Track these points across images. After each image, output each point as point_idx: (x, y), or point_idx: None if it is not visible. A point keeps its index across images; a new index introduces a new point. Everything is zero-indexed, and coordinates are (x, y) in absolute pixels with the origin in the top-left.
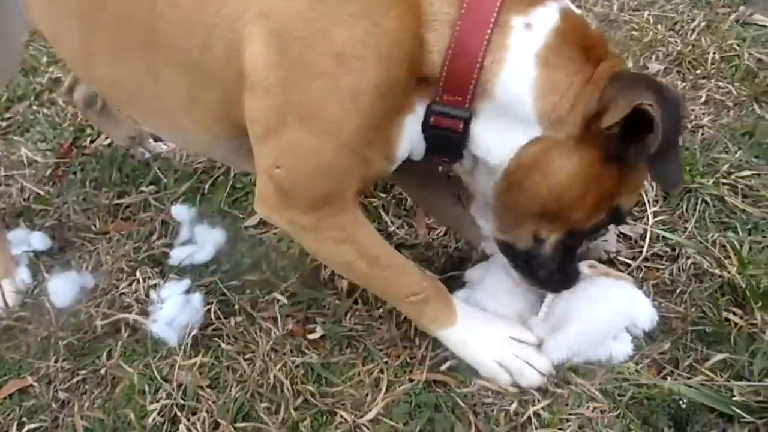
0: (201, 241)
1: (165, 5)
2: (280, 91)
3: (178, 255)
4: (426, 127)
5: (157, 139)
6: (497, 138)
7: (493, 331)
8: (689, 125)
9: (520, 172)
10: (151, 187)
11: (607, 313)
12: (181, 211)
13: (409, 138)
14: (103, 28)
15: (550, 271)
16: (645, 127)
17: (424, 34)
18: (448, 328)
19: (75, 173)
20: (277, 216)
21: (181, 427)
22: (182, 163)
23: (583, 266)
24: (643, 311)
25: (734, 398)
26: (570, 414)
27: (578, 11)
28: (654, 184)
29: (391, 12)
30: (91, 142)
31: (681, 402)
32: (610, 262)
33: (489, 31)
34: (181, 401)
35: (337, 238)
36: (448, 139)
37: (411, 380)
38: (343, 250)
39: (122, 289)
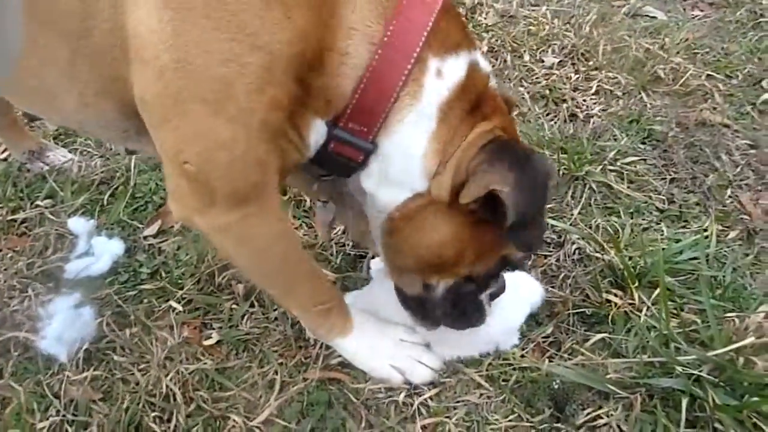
0: (98, 253)
1: None
2: (177, 75)
3: (73, 268)
4: (323, 151)
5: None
6: (387, 182)
7: (384, 335)
8: (581, 115)
9: (401, 221)
10: (48, 201)
11: (504, 313)
12: (78, 224)
13: (316, 134)
14: None
15: (445, 312)
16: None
17: (338, 41)
18: (344, 336)
19: None
20: (197, 217)
21: None
22: (80, 175)
23: None
24: (535, 297)
25: (609, 376)
26: (457, 402)
27: (486, 66)
28: None
29: (304, 6)
30: None
31: (554, 383)
32: None
33: (410, 66)
34: (72, 417)
35: (260, 243)
36: (344, 166)
37: (305, 379)
38: (265, 257)
39: (14, 306)
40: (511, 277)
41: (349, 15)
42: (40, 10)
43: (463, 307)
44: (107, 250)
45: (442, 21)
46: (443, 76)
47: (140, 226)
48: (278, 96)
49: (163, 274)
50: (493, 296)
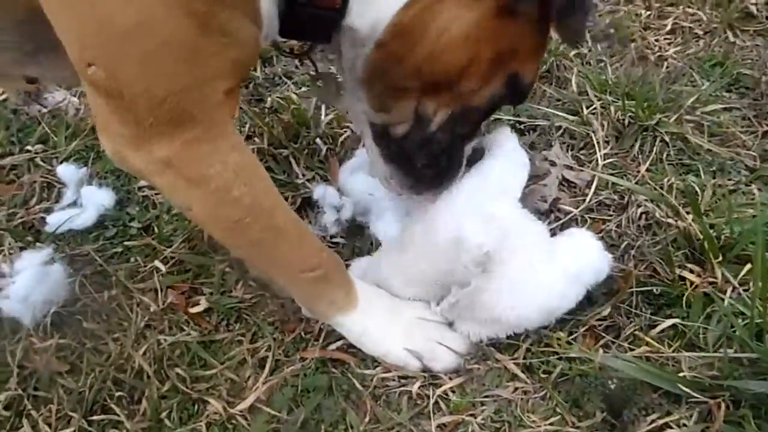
0: (85, 204)
1: None
2: None
3: (55, 220)
4: (291, 14)
5: None
6: (371, 3)
7: (397, 311)
8: (652, 58)
9: (396, 39)
10: (39, 146)
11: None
12: (67, 171)
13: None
14: None
15: (429, 162)
16: None
17: None
18: (347, 313)
19: None
20: (129, 153)
21: (25, 422)
22: (77, 118)
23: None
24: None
25: (682, 374)
26: (485, 396)
27: None
28: (605, 123)
29: None
30: None
31: (609, 380)
32: (549, 211)
33: None
34: (32, 392)
35: (218, 181)
36: (321, 19)
37: (302, 359)
38: (228, 200)
39: None
40: (568, 240)
41: None
42: None
43: (447, 157)
44: (95, 201)
45: None
46: None
47: (134, 176)
48: None
49: (155, 231)
50: (471, 159)
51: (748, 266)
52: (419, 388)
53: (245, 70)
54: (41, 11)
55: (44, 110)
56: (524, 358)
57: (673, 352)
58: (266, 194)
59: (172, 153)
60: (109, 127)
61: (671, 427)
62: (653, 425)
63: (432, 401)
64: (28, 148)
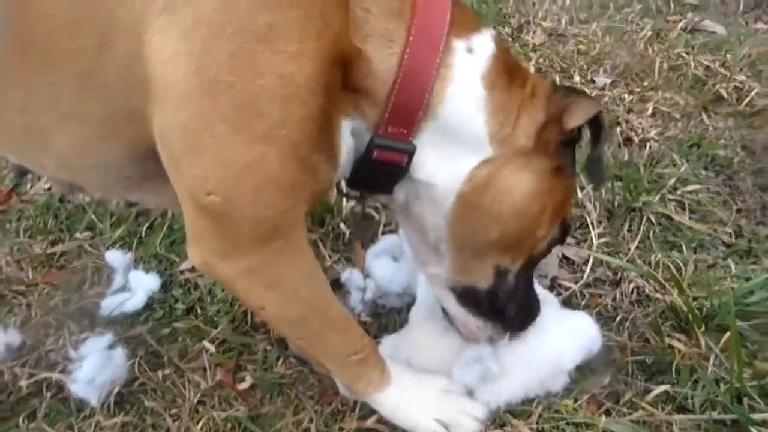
0: (134, 288)
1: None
2: (206, 96)
3: (108, 305)
4: (363, 164)
5: None
6: (445, 162)
7: (425, 386)
8: (636, 140)
9: (476, 193)
10: (87, 233)
11: (555, 355)
12: (115, 257)
13: (346, 145)
14: None
15: (516, 308)
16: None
17: (365, 48)
18: (382, 391)
19: (11, 222)
20: (217, 263)
21: None
22: (119, 207)
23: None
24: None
25: None
26: None
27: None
28: (597, 205)
29: (335, 15)
30: (31, 187)
31: None
32: (550, 287)
33: (439, 57)
34: None
35: (290, 285)
36: (387, 174)
37: (341, 429)
38: (296, 301)
39: (49, 345)
40: (566, 317)
41: (368, 24)
42: (38, 47)
43: (528, 297)
44: (143, 284)
45: (455, 10)
46: (474, 52)
47: (177, 259)
48: (316, 105)
49: (198, 311)
50: None
51: (728, 334)
52: None
53: (318, 200)
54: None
55: (88, 199)
56: (537, 423)
57: (666, 415)
58: (324, 293)
59: (255, 262)
60: (204, 242)
61: None
62: None
63: None
64: (77, 235)
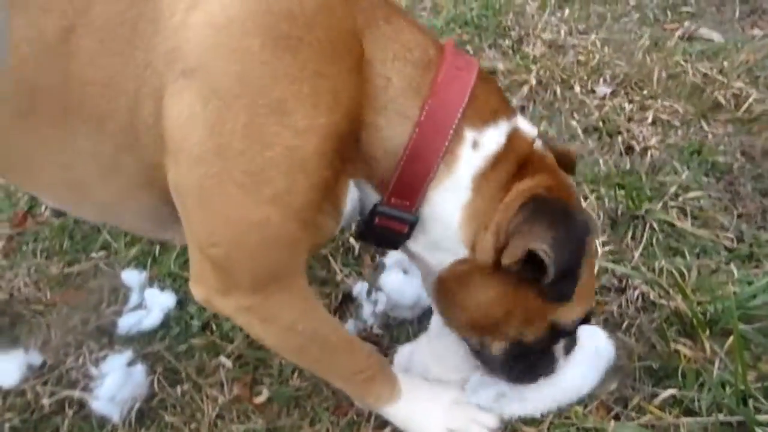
0: (150, 306)
1: (85, 66)
2: (218, 159)
3: (126, 323)
4: (368, 226)
5: None
6: (432, 247)
7: (436, 399)
8: (637, 148)
9: (450, 282)
10: (102, 253)
11: (578, 381)
12: (131, 276)
13: (352, 200)
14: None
15: (508, 369)
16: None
17: (377, 121)
18: (393, 404)
19: (27, 243)
20: (217, 300)
21: None
22: None
23: None
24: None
25: None
26: None
27: (530, 128)
28: (601, 214)
29: (347, 89)
30: (45, 209)
31: None
32: None
33: (447, 143)
34: None
35: (286, 320)
36: (389, 239)
37: None
38: (293, 333)
39: (69, 364)
40: (585, 339)
41: (386, 95)
42: (78, 111)
43: (530, 363)
44: (159, 302)
45: (479, 92)
46: (479, 147)
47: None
48: (322, 176)
49: (214, 327)
50: (567, 349)
51: (732, 338)
52: None
53: (320, 249)
54: None
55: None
56: (548, 430)
57: (674, 418)
58: (322, 324)
59: (253, 302)
60: (204, 281)
61: None
62: None
63: None
64: (93, 255)
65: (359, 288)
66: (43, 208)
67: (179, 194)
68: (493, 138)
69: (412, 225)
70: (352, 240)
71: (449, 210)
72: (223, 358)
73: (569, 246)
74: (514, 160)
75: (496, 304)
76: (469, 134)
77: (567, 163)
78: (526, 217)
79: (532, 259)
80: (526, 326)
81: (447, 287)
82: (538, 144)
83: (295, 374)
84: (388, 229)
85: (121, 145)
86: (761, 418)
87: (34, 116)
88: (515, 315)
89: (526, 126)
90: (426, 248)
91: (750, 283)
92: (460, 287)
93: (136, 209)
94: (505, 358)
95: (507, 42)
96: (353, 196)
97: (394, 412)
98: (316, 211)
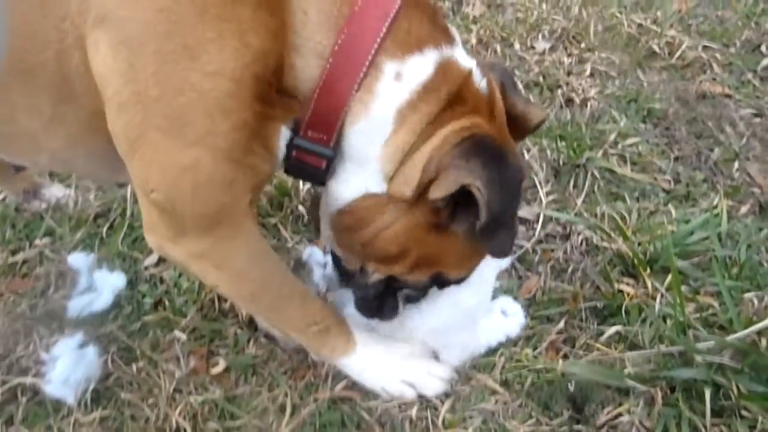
0: (100, 288)
1: (8, 19)
2: (138, 107)
3: (76, 306)
4: (288, 159)
5: None
6: (343, 180)
7: (390, 351)
8: (577, 100)
9: (360, 211)
10: (46, 239)
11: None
12: (78, 260)
13: (285, 142)
14: None
15: (365, 296)
16: (475, 203)
17: (291, 55)
18: (348, 356)
19: None
20: (169, 247)
21: None
22: (77, 210)
23: None
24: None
25: (627, 370)
26: (472, 410)
27: (467, 61)
28: (544, 165)
29: (257, 28)
30: None
31: (570, 383)
32: None
33: (362, 74)
34: None
35: (238, 265)
36: (309, 173)
37: (315, 400)
38: (246, 280)
39: (19, 352)
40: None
41: (300, 29)
42: (14, 64)
43: (382, 300)
44: (109, 283)
45: (404, 20)
46: (402, 78)
47: (140, 256)
48: (241, 117)
49: (167, 304)
50: (409, 299)
51: (671, 275)
52: (417, 411)
53: (261, 189)
54: None
55: (44, 205)
56: (500, 374)
57: (619, 353)
58: (274, 271)
59: (204, 247)
60: (155, 228)
61: (623, 415)
62: (609, 415)
63: (429, 421)
64: (37, 242)
65: (308, 252)
66: None
67: (115, 141)
68: (417, 68)
69: (330, 161)
70: (301, 207)
71: (369, 143)
72: (177, 333)
73: (506, 189)
74: (447, 91)
75: (400, 240)
76: (389, 65)
77: (524, 125)
78: (461, 152)
79: (461, 201)
80: (417, 267)
81: (354, 215)
82: (479, 80)
83: (251, 343)
84: (304, 163)
85: (57, 96)
86: (700, 345)
87: None
88: (411, 255)
89: (462, 56)
90: (343, 180)
91: (687, 222)
92: (366, 217)
93: (86, 155)
94: (375, 289)
95: (447, 4)
96: (286, 138)
97: (350, 363)
98: (245, 152)
